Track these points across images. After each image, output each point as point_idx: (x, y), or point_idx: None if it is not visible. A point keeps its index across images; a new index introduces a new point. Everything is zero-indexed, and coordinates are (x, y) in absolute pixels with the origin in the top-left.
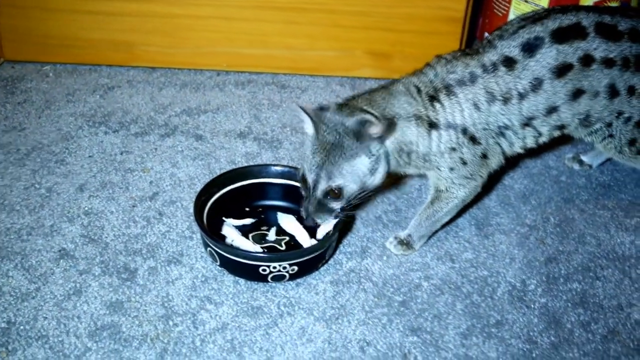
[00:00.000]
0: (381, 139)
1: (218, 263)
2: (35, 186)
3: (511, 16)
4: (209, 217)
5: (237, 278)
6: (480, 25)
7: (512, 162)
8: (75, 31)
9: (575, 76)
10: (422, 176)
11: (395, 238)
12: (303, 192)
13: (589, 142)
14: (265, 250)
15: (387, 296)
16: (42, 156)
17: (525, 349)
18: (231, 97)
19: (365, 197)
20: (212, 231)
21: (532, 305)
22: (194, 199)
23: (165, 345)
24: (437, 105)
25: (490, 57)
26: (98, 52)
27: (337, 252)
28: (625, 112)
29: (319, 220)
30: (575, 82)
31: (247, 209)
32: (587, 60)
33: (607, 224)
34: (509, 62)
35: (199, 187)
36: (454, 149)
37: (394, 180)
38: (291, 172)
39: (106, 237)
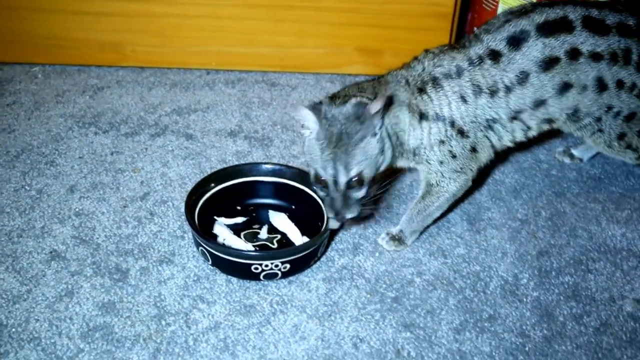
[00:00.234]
0: (382, 118)
1: (210, 262)
2: (25, 188)
3: (500, 11)
4: (200, 216)
5: (229, 277)
6: (469, 20)
7: (502, 157)
8: (64, 32)
9: (563, 70)
10: (412, 171)
11: (387, 234)
12: (321, 193)
13: (578, 137)
14: (257, 249)
15: (379, 292)
16: (32, 158)
17: (518, 343)
18: (221, 95)
19: (384, 188)
20: (203, 230)
21: (525, 299)
22: (185, 199)
23: (158, 345)
24: (425, 97)
25: (477, 50)
26: (87, 53)
27: (329, 249)
28: (614, 107)
29: (349, 215)
30: (562, 76)
31: (238, 208)
32: (574, 54)
33: (598, 217)
34: (494, 56)
35: (190, 186)
36: (442, 142)
37: (384, 177)
38: (282, 170)
39: (97, 238)
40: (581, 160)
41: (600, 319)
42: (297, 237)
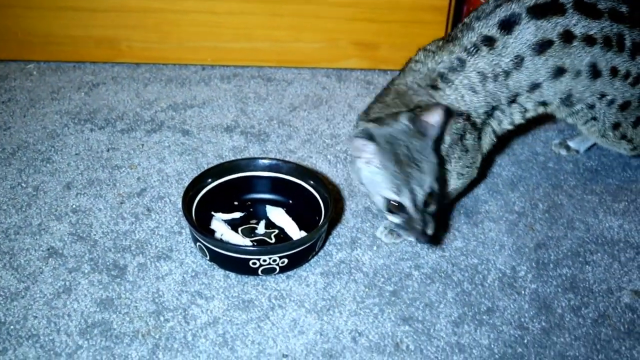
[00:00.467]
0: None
1: (208, 257)
2: (21, 185)
3: None
4: (198, 212)
5: (227, 272)
6: (465, 12)
7: (499, 149)
8: (59, 28)
9: (556, 53)
10: None
11: (385, 227)
12: (395, 219)
13: (571, 124)
14: (255, 244)
15: (378, 286)
16: (28, 155)
17: (516, 335)
18: (217, 91)
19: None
20: (201, 226)
21: (523, 292)
22: (182, 194)
23: (156, 341)
24: (441, 92)
25: (470, 38)
26: (82, 49)
27: (327, 243)
28: (608, 94)
29: (430, 232)
30: (556, 60)
31: (235, 203)
32: (567, 37)
33: (596, 208)
34: (489, 41)
35: (186, 182)
36: (461, 137)
37: None
38: (279, 165)
39: (95, 235)
40: (578, 152)
41: (598, 310)
42: (295, 232)
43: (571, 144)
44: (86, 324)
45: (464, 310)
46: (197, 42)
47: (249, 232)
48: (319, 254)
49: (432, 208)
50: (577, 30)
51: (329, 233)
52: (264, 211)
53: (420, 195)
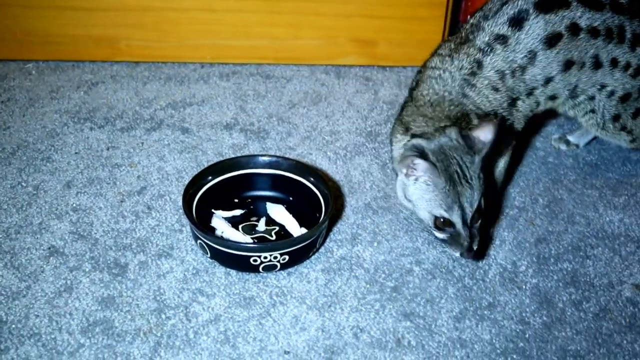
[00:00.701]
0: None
1: (209, 255)
2: (22, 184)
3: None
4: (198, 210)
5: (228, 269)
6: (463, 8)
7: None
8: (57, 28)
9: (566, 46)
10: None
11: None
12: (442, 235)
13: (572, 117)
14: (256, 241)
15: (379, 282)
16: (28, 154)
17: (518, 330)
18: (216, 89)
19: None
20: (201, 223)
21: (524, 286)
22: (182, 192)
23: (158, 339)
24: (471, 99)
25: (483, 38)
26: (80, 48)
27: (328, 240)
28: (608, 85)
29: (476, 247)
30: (566, 53)
31: (236, 200)
32: (574, 29)
33: (596, 203)
34: (502, 39)
35: (186, 180)
36: None
37: (382, 167)
38: (279, 162)
39: (95, 233)
40: (577, 146)
41: (599, 304)
42: (295, 229)
43: (571, 138)
44: (88, 323)
45: (465, 306)
46: (196, 40)
47: (250, 230)
48: (320, 250)
49: (478, 224)
50: (583, 23)
51: (329, 230)
52: (264, 208)
53: (470, 212)
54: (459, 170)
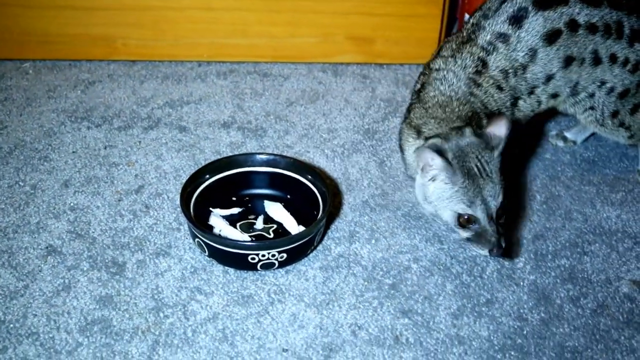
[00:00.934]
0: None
1: (207, 253)
2: (19, 184)
3: None
4: (196, 208)
5: (226, 268)
6: (460, 5)
7: None
8: (54, 27)
9: (565, 42)
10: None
11: None
12: (467, 234)
13: (572, 114)
14: (254, 239)
15: (377, 279)
16: (25, 153)
17: (516, 326)
18: (213, 87)
19: None
20: (199, 222)
21: (522, 283)
22: (179, 191)
23: (156, 337)
24: (478, 98)
25: (485, 37)
26: (77, 47)
27: (326, 237)
28: (607, 82)
29: (504, 244)
30: (565, 49)
31: (233, 199)
32: (573, 25)
33: (593, 199)
34: (503, 38)
35: (184, 178)
36: None
37: (379, 165)
38: (277, 160)
39: (93, 232)
40: (575, 142)
41: (597, 300)
42: (293, 227)
43: (568, 135)
44: (86, 322)
45: (463, 303)
46: (193, 39)
47: (248, 228)
48: (318, 248)
49: (503, 219)
50: (581, 19)
51: (327, 227)
52: (262, 206)
53: (494, 206)
54: (478, 165)
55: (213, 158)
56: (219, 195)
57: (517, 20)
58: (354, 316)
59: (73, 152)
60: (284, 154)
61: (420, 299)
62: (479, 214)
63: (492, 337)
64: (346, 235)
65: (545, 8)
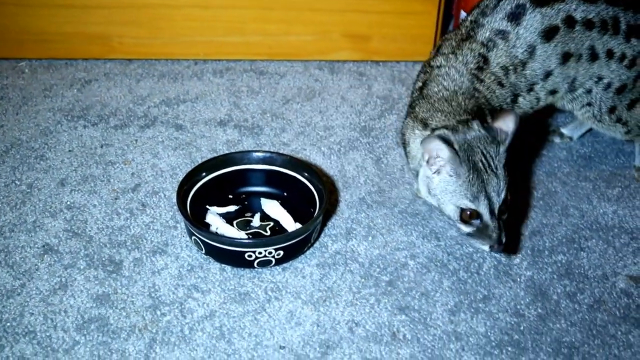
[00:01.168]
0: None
1: (203, 251)
2: (15, 183)
3: None
4: (192, 206)
5: (223, 265)
6: (455, 2)
7: None
8: (50, 26)
9: (563, 39)
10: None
11: None
12: (468, 229)
13: (569, 110)
14: (250, 236)
15: (374, 276)
16: (22, 152)
17: (513, 322)
18: (210, 85)
19: None
20: (196, 220)
21: (518, 279)
22: (176, 189)
23: (153, 335)
24: (482, 93)
25: (484, 34)
26: (73, 46)
27: (322, 234)
28: (604, 77)
29: (504, 240)
30: (563, 46)
31: (230, 196)
32: (570, 22)
33: (590, 195)
34: (502, 35)
35: (180, 176)
36: None
37: (376, 162)
38: (273, 158)
39: (90, 231)
40: (571, 139)
41: (593, 296)
42: (290, 224)
43: (564, 131)
44: (83, 320)
45: (460, 299)
46: (189, 37)
47: (244, 225)
48: (315, 245)
49: (505, 216)
50: (578, 15)
51: (324, 224)
52: (258, 204)
53: (497, 202)
54: (483, 160)
55: (209, 156)
56: (216, 193)
57: (515, 17)
58: (351, 313)
59: (69, 150)
60: (281, 151)
61: (417, 296)
62: (482, 209)
63: (489, 333)
64: (343, 233)
65: (543, 5)
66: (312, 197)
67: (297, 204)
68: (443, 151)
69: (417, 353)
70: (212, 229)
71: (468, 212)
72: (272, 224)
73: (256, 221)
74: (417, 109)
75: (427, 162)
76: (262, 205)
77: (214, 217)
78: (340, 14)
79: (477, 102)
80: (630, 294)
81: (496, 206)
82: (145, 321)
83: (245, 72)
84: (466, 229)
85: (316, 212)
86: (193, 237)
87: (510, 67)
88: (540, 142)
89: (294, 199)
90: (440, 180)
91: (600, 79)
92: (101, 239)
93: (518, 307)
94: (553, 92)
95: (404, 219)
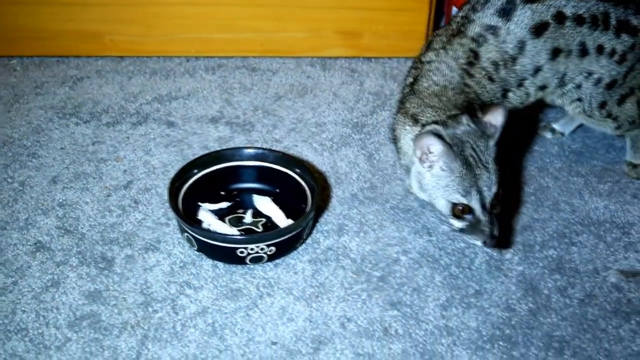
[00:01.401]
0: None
1: (196, 248)
2: (7, 180)
3: None
4: (184, 203)
5: (215, 262)
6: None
7: None
8: (41, 23)
9: (553, 34)
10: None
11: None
12: (460, 224)
13: (559, 105)
14: (243, 233)
15: (365, 272)
16: (14, 150)
17: (504, 317)
18: (202, 82)
19: None
20: (188, 217)
21: (510, 274)
22: (168, 186)
23: (145, 332)
24: (472, 88)
25: (474, 30)
26: (65, 44)
27: (314, 231)
28: (594, 73)
29: (497, 234)
30: (553, 41)
31: (222, 193)
32: (560, 18)
33: (581, 190)
34: (493, 30)
35: (172, 173)
36: None
37: (368, 158)
38: (265, 154)
39: (82, 228)
40: (562, 134)
41: (584, 290)
42: (282, 220)
43: (556, 126)
44: (75, 317)
45: (451, 294)
46: (181, 34)
47: (236, 222)
48: (307, 241)
49: (498, 210)
50: (568, 11)
51: (316, 221)
52: (250, 200)
53: (489, 197)
54: (474, 154)
55: (201, 153)
56: (208, 190)
57: (506, 12)
58: (343, 309)
59: (61, 148)
60: (273, 148)
61: (409, 291)
62: (474, 204)
63: (480, 328)
64: (335, 229)
65: (533, 1)
66: (304, 193)
67: (289, 201)
68: (436, 146)
69: (409, 348)
70: (204, 225)
71: (460, 207)
72: (264, 220)
73: (248, 218)
74: (407, 105)
75: (420, 158)
76: (254, 201)
77: (206, 214)
78: (332, 11)
79: (467, 97)
80: (621, 289)
81: (487, 200)
82: (138, 318)
83: (237, 69)
84: (458, 224)
85: (308, 208)
86: (185, 234)
87: (501, 63)
88: (531, 137)
89: (286, 195)
90: (432, 176)
91: (590, 74)
92: (93, 236)
93: (509, 301)
94: (543, 88)
95: (395, 214)
